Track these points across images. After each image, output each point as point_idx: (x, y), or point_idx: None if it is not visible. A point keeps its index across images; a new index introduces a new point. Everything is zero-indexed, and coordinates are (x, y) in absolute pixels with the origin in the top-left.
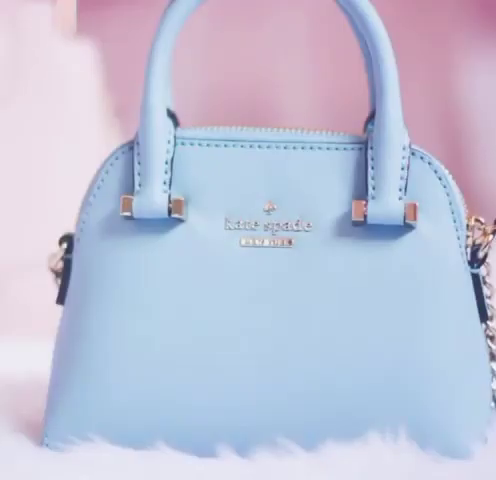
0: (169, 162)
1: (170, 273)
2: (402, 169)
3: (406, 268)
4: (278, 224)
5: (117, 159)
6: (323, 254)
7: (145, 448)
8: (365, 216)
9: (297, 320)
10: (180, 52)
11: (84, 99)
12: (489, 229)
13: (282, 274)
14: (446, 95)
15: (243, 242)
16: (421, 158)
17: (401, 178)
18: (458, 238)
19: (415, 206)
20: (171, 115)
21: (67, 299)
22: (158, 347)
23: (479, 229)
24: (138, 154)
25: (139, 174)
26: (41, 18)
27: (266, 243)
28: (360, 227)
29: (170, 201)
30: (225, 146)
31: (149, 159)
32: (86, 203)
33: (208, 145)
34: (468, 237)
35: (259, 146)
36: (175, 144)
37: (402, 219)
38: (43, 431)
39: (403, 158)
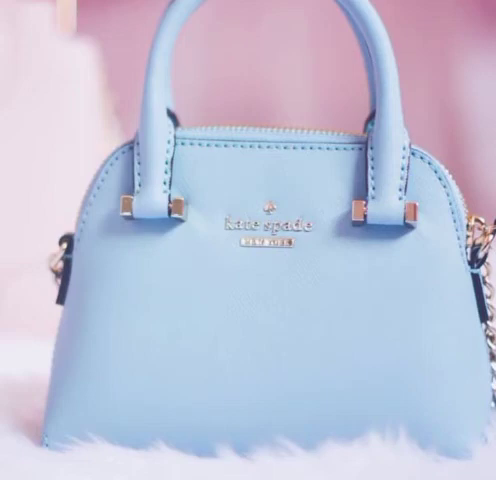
0: (169, 162)
1: (170, 273)
2: (402, 169)
3: (406, 268)
4: (278, 224)
5: (117, 159)
6: (323, 254)
7: (145, 448)
8: (365, 216)
9: (297, 320)
10: (180, 52)
11: (84, 99)
12: (489, 229)
13: (282, 274)
14: (446, 95)
15: (243, 242)
16: (421, 158)
17: (401, 178)
18: (458, 238)
19: (415, 206)
20: (171, 115)
21: (67, 299)
22: (158, 347)
23: (479, 229)
24: (138, 154)
25: (139, 174)
26: (41, 18)
27: (266, 243)
28: (360, 227)
29: (170, 201)
30: (225, 146)
31: (149, 159)
32: (86, 203)
33: (208, 145)
34: (468, 237)
35: (259, 146)
36: (175, 144)
37: (402, 219)
38: (43, 431)
39: (403, 158)
